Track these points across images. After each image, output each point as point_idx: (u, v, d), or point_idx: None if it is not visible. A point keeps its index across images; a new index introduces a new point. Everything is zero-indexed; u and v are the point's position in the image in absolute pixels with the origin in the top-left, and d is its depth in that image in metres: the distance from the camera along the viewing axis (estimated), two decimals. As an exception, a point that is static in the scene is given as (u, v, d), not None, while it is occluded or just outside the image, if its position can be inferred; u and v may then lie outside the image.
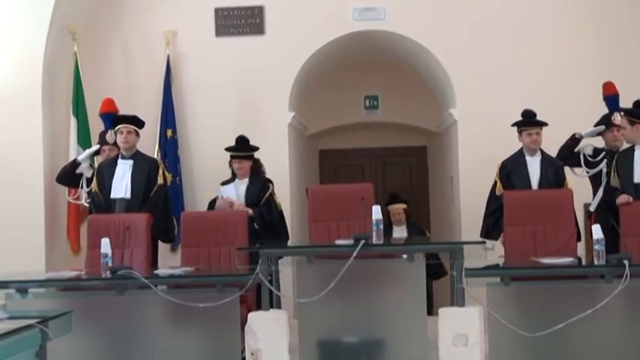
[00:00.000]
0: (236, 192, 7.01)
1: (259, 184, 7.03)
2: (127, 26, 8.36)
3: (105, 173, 6.83)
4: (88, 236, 6.47)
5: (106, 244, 5.51)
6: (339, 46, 8.49)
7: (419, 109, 10.19)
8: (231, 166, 7.16)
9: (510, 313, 5.16)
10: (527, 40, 8.11)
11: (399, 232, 8.52)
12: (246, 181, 7.05)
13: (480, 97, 8.08)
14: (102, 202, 6.78)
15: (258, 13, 8.32)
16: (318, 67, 8.78)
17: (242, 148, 7.13)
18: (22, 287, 5.33)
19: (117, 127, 6.85)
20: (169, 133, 8.12)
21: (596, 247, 5.21)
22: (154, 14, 8.33)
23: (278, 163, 8.16)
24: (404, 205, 8.76)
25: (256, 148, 7.20)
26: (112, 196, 6.77)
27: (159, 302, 5.28)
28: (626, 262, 4.95)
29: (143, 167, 6.81)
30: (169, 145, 8.11)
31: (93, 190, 6.89)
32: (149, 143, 7.93)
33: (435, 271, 8.01)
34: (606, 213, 6.43)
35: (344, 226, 6.66)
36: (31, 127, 7.54)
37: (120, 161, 6.85)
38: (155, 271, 5.70)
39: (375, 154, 11.36)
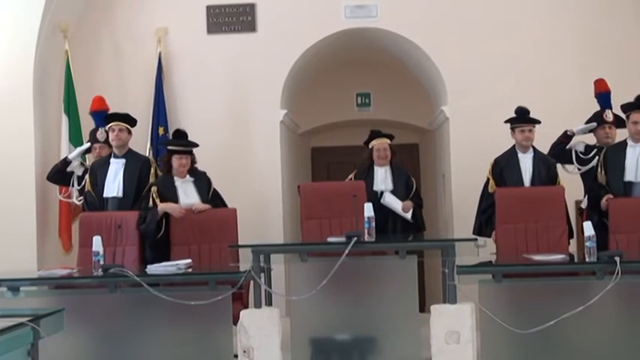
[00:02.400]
0: (184, 192, 6.66)
1: (204, 180, 6.79)
2: (119, 24, 8.34)
3: (98, 172, 6.82)
4: (80, 234, 6.47)
5: (97, 242, 5.50)
6: (330, 44, 8.49)
7: (411, 107, 10.19)
8: (162, 161, 6.81)
9: (502, 310, 5.17)
10: (518, 37, 8.11)
11: (382, 175, 7.46)
12: (189, 179, 6.69)
13: (472, 95, 8.09)
14: (95, 202, 6.77)
15: (249, 10, 8.31)
16: (310, 64, 8.77)
17: (187, 143, 6.75)
18: (13, 285, 5.31)
19: (109, 125, 6.84)
20: (161, 130, 8.10)
21: (587, 244, 5.23)
22: (145, 12, 8.31)
23: (270, 160, 8.19)
24: (388, 140, 7.69)
25: (196, 145, 6.84)
26: (105, 195, 6.76)
27: (151, 300, 5.26)
28: (617, 258, 4.97)
29: (135, 166, 6.80)
30: (161, 142, 8.09)
31: (86, 189, 6.88)
32: (141, 141, 7.92)
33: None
34: (596, 210, 6.43)
35: (336, 224, 6.67)
36: (23, 126, 7.52)
37: (112, 160, 6.84)
38: (147, 267, 5.69)
39: (367, 151, 11.34)
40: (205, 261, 6.36)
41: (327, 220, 6.78)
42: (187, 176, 6.68)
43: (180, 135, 6.82)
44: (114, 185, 6.75)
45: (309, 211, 6.89)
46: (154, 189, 6.54)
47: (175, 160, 6.62)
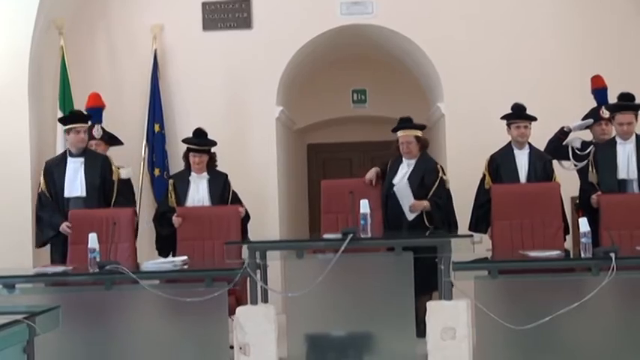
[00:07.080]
0: (196, 187, 6.89)
1: (221, 180, 6.95)
2: (114, 20, 8.34)
3: (55, 172, 6.74)
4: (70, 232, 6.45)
5: (93, 239, 5.49)
6: (326, 40, 8.49)
7: (407, 103, 10.15)
8: (185, 158, 6.99)
9: (498, 306, 5.17)
10: (514, 33, 8.11)
11: (405, 169, 6.93)
12: (205, 175, 6.92)
13: (468, 91, 8.09)
14: (49, 203, 6.67)
15: (245, 7, 8.30)
16: (306, 61, 8.77)
17: (204, 142, 6.97)
18: (9, 282, 5.31)
19: (72, 126, 6.73)
20: (157, 127, 8.09)
21: (582, 240, 5.23)
22: (141, 8, 8.30)
23: (266, 157, 8.19)
24: (415, 132, 6.98)
25: (215, 143, 7.05)
26: (67, 195, 6.68)
27: (147, 297, 5.27)
28: (612, 254, 4.98)
29: (95, 164, 6.74)
30: (157, 139, 8.09)
31: (40, 190, 6.78)
32: (137, 138, 7.93)
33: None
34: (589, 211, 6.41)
35: (352, 218, 6.71)
36: (18, 122, 7.51)
37: (70, 159, 6.75)
38: (143, 264, 5.69)
39: (363, 148, 11.34)
40: (209, 257, 6.42)
41: (344, 215, 6.85)
42: (204, 173, 6.91)
43: (200, 134, 6.99)
44: (75, 185, 6.67)
45: (328, 206, 7.08)
46: (171, 182, 6.98)
47: (192, 158, 6.88)
